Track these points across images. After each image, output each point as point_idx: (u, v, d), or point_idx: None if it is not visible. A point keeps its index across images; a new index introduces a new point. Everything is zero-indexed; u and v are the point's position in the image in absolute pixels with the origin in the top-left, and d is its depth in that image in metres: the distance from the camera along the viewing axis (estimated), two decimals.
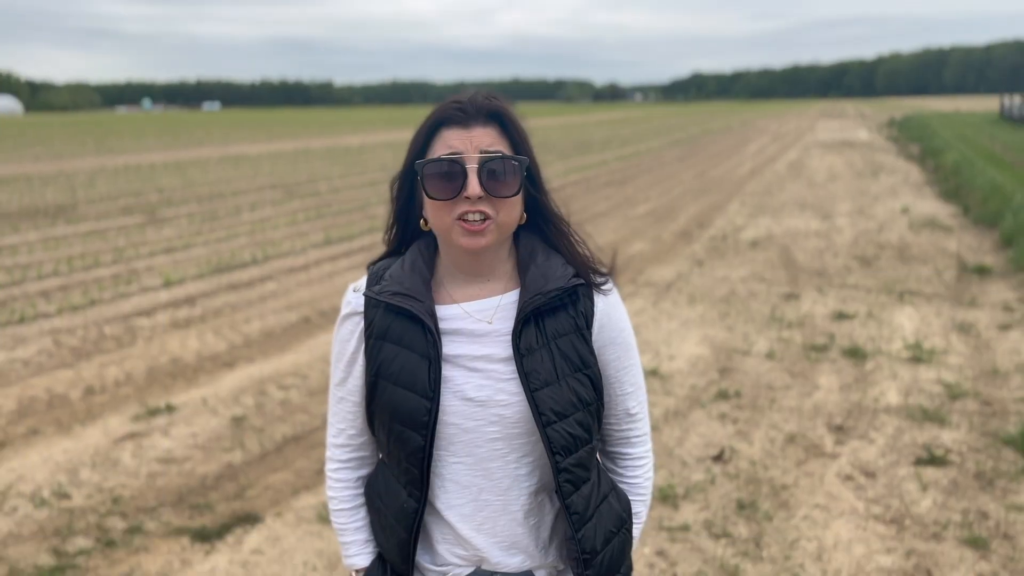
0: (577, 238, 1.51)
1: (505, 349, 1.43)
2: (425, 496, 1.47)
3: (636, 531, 1.58)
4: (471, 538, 1.47)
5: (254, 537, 3.65)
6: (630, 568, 1.57)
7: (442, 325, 1.45)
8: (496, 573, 1.50)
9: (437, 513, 1.49)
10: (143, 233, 11.94)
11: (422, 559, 1.53)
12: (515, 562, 1.49)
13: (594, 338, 1.47)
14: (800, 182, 17.05)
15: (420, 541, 1.51)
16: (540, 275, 1.43)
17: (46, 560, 3.47)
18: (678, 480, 4.08)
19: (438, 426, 1.43)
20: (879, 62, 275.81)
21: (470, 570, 1.50)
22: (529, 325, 1.42)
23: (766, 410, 4.96)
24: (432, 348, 1.42)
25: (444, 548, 1.50)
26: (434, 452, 1.45)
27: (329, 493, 1.61)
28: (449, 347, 1.44)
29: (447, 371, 1.43)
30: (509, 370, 1.42)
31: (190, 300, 7.92)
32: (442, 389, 1.42)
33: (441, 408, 1.42)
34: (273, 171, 21.81)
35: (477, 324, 1.45)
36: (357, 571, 1.60)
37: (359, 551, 1.59)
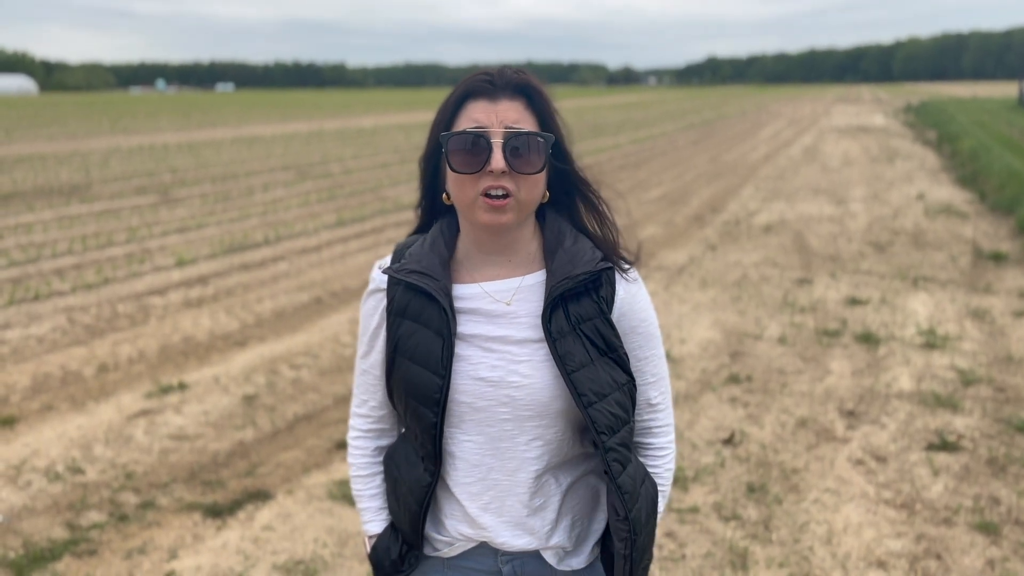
0: (608, 215, 1.49)
1: (522, 331, 1.42)
2: (438, 471, 1.48)
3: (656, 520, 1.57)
4: (478, 517, 1.48)
5: (265, 514, 3.67)
6: (652, 556, 1.57)
7: (460, 304, 1.44)
8: (501, 551, 1.51)
9: (448, 489, 1.50)
10: (156, 213, 11.99)
11: (430, 530, 1.54)
12: (521, 543, 1.49)
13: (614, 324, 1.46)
14: (814, 167, 16.94)
15: (430, 514, 1.53)
16: (568, 259, 1.42)
17: (60, 534, 3.51)
18: (688, 463, 4.08)
19: (449, 404, 1.43)
20: (896, 47, 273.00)
21: (475, 544, 1.51)
22: (557, 309, 1.40)
23: (777, 394, 4.95)
24: (446, 326, 1.41)
25: (451, 524, 1.51)
26: (446, 429, 1.46)
27: (349, 459, 1.65)
28: (465, 326, 1.43)
29: (462, 349, 1.43)
30: (525, 352, 1.42)
31: (203, 280, 7.96)
32: (455, 367, 1.42)
33: (453, 386, 1.42)
34: (286, 152, 21.83)
35: (495, 304, 1.44)
36: (370, 536, 1.63)
37: (372, 517, 1.62)
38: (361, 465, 1.63)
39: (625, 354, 1.45)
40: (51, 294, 7.41)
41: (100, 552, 3.38)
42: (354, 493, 1.65)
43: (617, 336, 1.44)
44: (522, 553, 1.50)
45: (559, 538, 1.51)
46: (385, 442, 1.63)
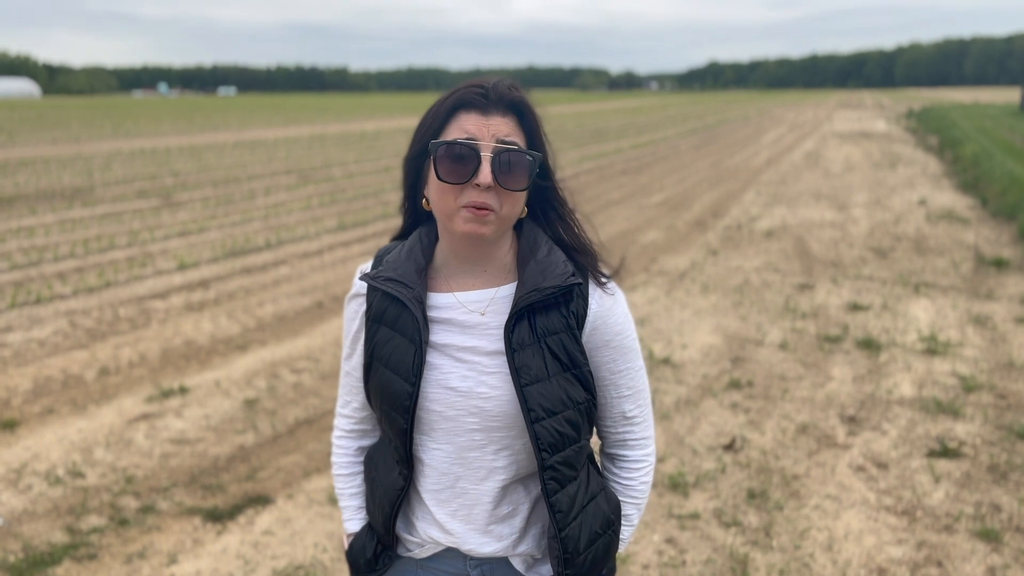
0: (583, 236, 1.50)
1: (493, 342, 1.42)
2: (410, 476, 1.50)
3: (626, 533, 1.57)
4: (446, 523, 1.49)
5: (265, 518, 3.67)
6: (613, 570, 1.56)
7: (434, 313, 1.45)
8: (469, 556, 1.52)
9: (418, 494, 1.52)
10: (158, 216, 12.00)
11: (402, 532, 1.57)
12: (488, 550, 1.50)
13: (585, 339, 1.45)
14: (816, 172, 16.94)
15: (402, 516, 1.56)
16: (539, 271, 1.41)
17: (60, 538, 3.51)
18: (689, 468, 4.07)
19: (419, 411, 1.44)
20: (899, 52, 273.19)
21: (445, 547, 1.53)
22: (522, 321, 1.40)
23: (778, 400, 4.94)
24: (418, 334, 1.42)
25: (421, 527, 1.53)
26: (416, 437, 1.48)
27: (332, 458, 1.69)
28: (438, 335, 1.44)
29: (434, 358, 1.43)
30: (495, 364, 1.42)
31: (204, 283, 7.96)
32: (426, 376, 1.43)
33: (422, 394, 1.43)
34: (288, 156, 21.85)
35: (469, 315, 1.44)
36: (348, 535, 1.66)
37: (352, 516, 1.66)
38: (343, 464, 1.66)
39: (589, 372, 1.45)
40: (52, 297, 7.42)
41: (100, 556, 3.38)
42: (336, 491, 1.68)
43: (582, 352, 1.43)
44: (490, 559, 1.51)
45: (527, 546, 1.51)
46: (367, 442, 1.66)
